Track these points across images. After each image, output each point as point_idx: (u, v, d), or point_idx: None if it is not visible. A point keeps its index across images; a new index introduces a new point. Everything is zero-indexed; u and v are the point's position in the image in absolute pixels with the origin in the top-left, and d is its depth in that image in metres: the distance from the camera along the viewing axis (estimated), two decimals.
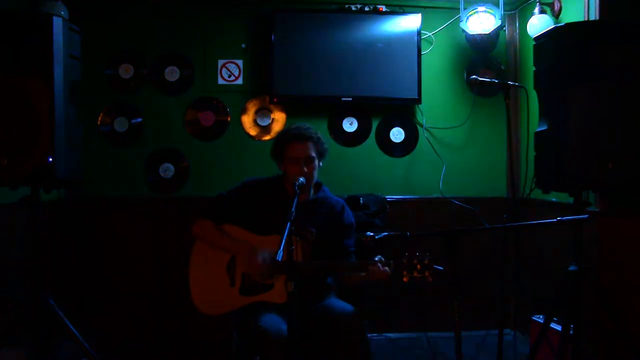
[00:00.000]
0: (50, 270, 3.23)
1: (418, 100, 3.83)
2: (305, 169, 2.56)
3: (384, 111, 3.93)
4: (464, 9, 3.78)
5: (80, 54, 2.47)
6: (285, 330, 2.24)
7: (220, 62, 3.81)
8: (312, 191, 2.72)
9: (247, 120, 3.85)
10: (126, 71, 3.75)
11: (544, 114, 2.48)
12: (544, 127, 2.46)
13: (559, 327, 2.63)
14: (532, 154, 2.58)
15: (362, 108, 3.91)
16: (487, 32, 3.77)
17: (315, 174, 2.65)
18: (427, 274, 2.33)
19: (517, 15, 3.99)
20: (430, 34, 3.90)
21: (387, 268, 2.37)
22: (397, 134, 3.94)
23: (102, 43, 3.72)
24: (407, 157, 3.96)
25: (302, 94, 3.77)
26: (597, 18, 2.98)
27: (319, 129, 2.72)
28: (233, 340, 2.62)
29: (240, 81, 3.83)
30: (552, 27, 2.45)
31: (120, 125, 3.76)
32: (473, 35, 3.81)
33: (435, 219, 3.85)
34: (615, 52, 2.33)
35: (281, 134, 2.73)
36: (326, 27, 3.76)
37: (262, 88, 3.80)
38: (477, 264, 3.80)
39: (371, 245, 2.48)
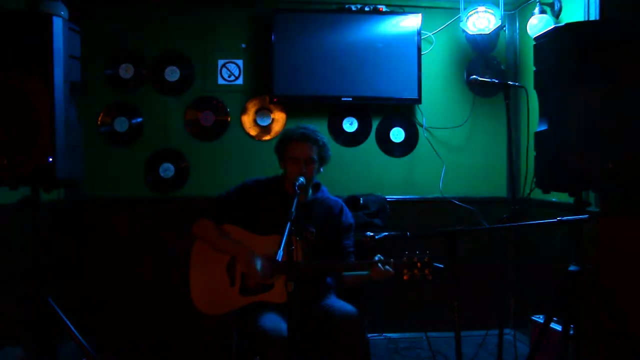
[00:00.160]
0: (50, 270, 3.23)
1: (418, 100, 3.83)
2: (305, 170, 2.56)
3: (384, 111, 3.93)
4: (464, 9, 3.78)
5: (80, 54, 2.46)
6: (285, 330, 2.24)
7: (220, 62, 3.81)
8: (310, 192, 2.72)
9: (247, 120, 3.85)
10: (126, 71, 3.75)
11: (544, 114, 2.48)
12: (544, 127, 2.46)
13: (559, 327, 2.63)
14: (532, 154, 2.58)
15: (362, 108, 3.91)
16: (487, 32, 3.77)
17: (314, 176, 2.65)
18: (427, 272, 2.34)
19: (517, 15, 3.99)
20: (431, 34, 3.90)
21: (388, 267, 2.37)
22: (397, 134, 3.94)
23: (102, 43, 3.72)
24: (407, 157, 3.96)
25: (302, 93, 3.77)
26: (597, 18, 2.98)
27: (319, 129, 2.72)
28: (233, 340, 2.62)
29: (240, 81, 3.83)
30: (552, 27, 2.45)
31: (120, 125, 3.76)
32: (473, 35, 3.81)
33: (435, 219, 3.85)
34: (615, 52, 2.33)
35: (286, 132, 2.73)
36: (326, 27, 3.76)
37: (262, 88, 3.80)
38: (477, 264, 3.80)
39: (371, 245, 2.48)
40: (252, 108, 3.84)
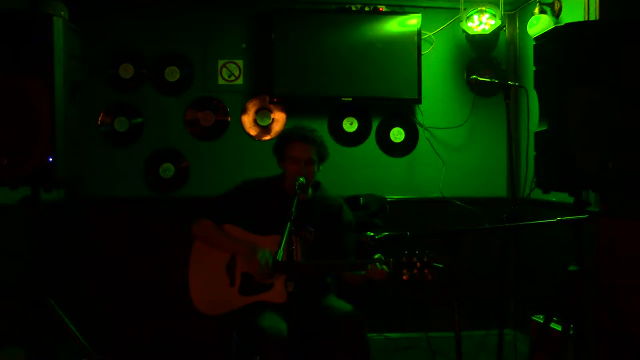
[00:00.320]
0: (50, 270, 3.22)
1: (418, 100, 3.82)
2: (305, 170, 2.56)
3: (384, 111, 3.93)
4: (464, 9, 3.78)
5: (81, 54, 2.46)
6: (285, 330, 2.24)
7: (220, 62, 3.81)
8: (310, 190, 2.72)
9: (247, 120, 3.85)
10: (126, 71, 3.75)
11: (544, 114, 2.48)
12: (544, 127, 2.46)
13: (559, 327, 2.63)
14: (532, 154, 2.58)
15: (362, 108, 3.91)
16: (487, 32, 3.77)
17: (314, 175, 2.65)
18: (426, 271, 2.33)
19: (517, 15, 3.99)
20: (431, 34, 3.90)
21: (384, 267, 2.37)
22: (397, 134, 3.94)
23: (102, 43, 3.72)
24: (407, 157, 3.96)
25: (302, 93, 3.77)
26: (597, 18, 2.98)
27: (319, 129, 2.73)
28: (233, 340, 2.62)
29: (240, 81, 3.83)
30: (552, 27, 2.45)
31: (120, 125, 3.75)
32: (473, 35, 3.81)
33: (435, 219, 3.85)
34: (615, 52, 2.33)
35: (285, 132, 2.73)
36: (326, 27, 3.76)
37: (262, 88, 3.80)
38: (477, 264, 3.80)
39: (371, 245, 2.49)
40: (252, 108, 3.84)
